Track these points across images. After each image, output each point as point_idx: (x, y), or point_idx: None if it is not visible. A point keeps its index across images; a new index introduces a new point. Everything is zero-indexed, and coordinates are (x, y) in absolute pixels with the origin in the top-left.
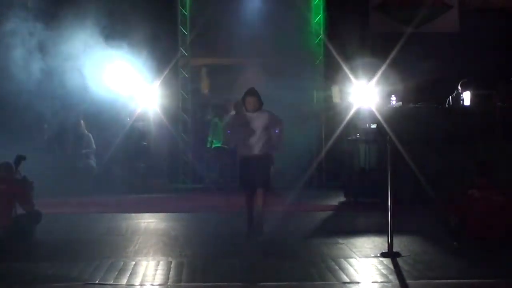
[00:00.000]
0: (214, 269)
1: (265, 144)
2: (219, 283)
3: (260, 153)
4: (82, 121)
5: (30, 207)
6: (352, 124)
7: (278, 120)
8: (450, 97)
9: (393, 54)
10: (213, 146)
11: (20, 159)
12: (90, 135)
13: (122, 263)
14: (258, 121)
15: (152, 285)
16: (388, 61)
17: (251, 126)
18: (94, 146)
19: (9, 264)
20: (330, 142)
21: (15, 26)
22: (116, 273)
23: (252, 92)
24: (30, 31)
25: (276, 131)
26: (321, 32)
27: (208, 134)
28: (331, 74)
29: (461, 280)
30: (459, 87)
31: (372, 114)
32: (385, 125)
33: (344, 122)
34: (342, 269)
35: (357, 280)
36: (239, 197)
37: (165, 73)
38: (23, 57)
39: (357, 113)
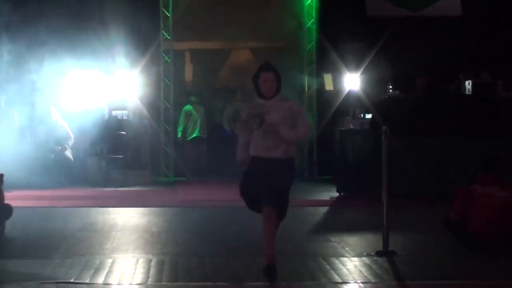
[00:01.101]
0: (198, 268)
1: (290, 145)
2: (203, 283)
3: (283, 156)
4: (52, 108)
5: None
6: (345, 114)
7: (304, 116)
8: (451, 86)
9: (390, 40)
10: (190, 137)
11: None
12: (65, 123)
13: (98, 261)
14: (277, 113)
15: (130, 284)
16: (384, 48)
17: (268, 120)
18: (71, 135)
19: None
20: (323, 133)
21: None
22: (92, 271)
23: (268, 67)
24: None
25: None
26: (313, 15)
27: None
28: (323, 60)
29: (461, 281)
30: (461, 76)
31: (366, 104)
32: (380, 116)
33: (337, 112)
34: (334, 268)
35: (349, 281)
36: (224, 191)
37: (146, 58)
38: None
39: (350, 102)
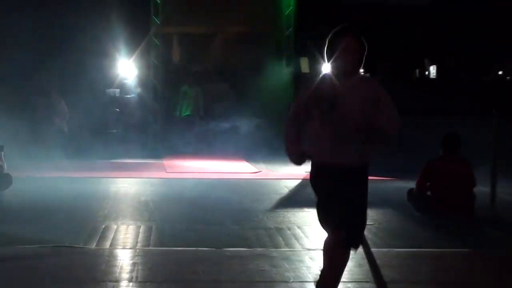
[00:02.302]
0: (182, 235)
1: (368, 146)
2: (187, 248)
3: (359, 163)
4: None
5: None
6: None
7: (391, 103)
8: (417, 70)
9: (361, 27)
10: (183, 114)
11: None
12: (62, 101)
13: (92, 227)
14: (356, 97)
15: (121, 248)
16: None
17: (342, 107)
18: (66, 111)
19: None
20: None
21: None
22: (86, 236)
23: (351, 30)
24: None
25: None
26: (291, 3)
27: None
28: (300, 45)
29: (422, 249)
30: (426, 61)
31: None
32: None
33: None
34: (308, 236)
35: (321, 247)
36: (209, 165)
37: (137, 41)
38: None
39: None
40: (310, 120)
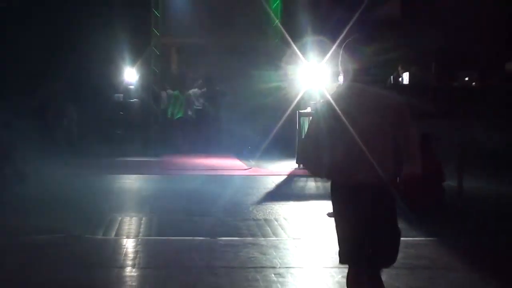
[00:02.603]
0: (180, 226)
1: (387, 161)
2: (184, 238)
3: (377, 181)
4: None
5: (17, 166)
6: (304, 99)
7: (407, 115)
8: (392, 76)
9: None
10: (176, 117)
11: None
12: (70, 104)
13: (98, 218)
14: (375, 113)
15: (125, 238)
16: (337, 44)
17: (359, 124)
18: (74, 114)
19: None
20: (288, 116)
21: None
22: (93, 227)
23: (364, 40)
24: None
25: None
26: (278, 17)
27: (170, 106)
28: (287, 54)
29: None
30: (400, 68)
31: (321, 91)
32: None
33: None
34: (293, 226)
35: (306, 237)
36: (202, 162)
37: (139, 50)
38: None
39: (308, 89)
40: (327, 136)
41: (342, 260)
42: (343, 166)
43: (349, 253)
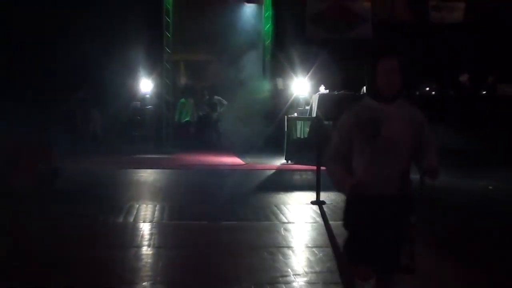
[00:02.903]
0: (189, 212)
1: (407, 172)
2: (192, 222)
3: (399, 190)
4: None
5: (52, 162)
6: (291, 105)
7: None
8: (364, 87)
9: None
10: (183, 121)
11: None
12: (96, 110)
13: (119, 206)
14: (401, 122)
15: (142, 222)
16: (320, 61)
17: (387, 133)
18: (100, 118)
19: (35, 206)
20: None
21: None
22: (115, 213)
23: (391, 50)
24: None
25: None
26: (270, 36)
27: (178, 112)
28: (277, 68)
29: None
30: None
31: (305, 99)
32: (315, 108)
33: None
34: (283, 213)
35: (293, 221)
36: (206, 158)
37: (153, 65)
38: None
39: (295, 97)
40: (352, 150)
41: (353, 259)
42: (373, 175)
43: (362, 253)
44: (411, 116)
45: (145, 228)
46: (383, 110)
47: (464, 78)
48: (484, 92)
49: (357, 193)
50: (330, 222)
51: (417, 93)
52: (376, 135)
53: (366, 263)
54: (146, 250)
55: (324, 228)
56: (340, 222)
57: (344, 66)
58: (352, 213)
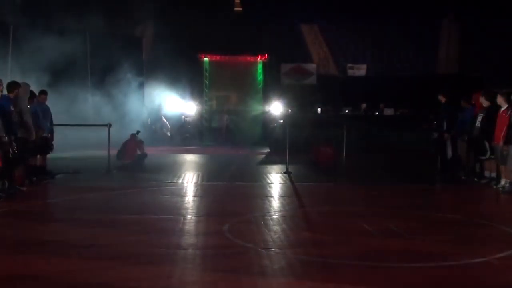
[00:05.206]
0: (216, 176)
1: None
2: (217, 182)
3: None
4: (162, 116)
5: (143, 151)
6: (272, 118)
7: None
8: (319, 109)
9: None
10: (213, 126)
11: (138, 132)
12: (166, 120)
13: (177, 175)
14: None
15: (188, 183)
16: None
17: None
18: (168, 126)
19: (131, 174)
20: (264, 126)
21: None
22: (175, 178)
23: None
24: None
25: None
26: (261, 81)
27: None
28: (266, 99)
29: (318, 183)
30: (320, 106)
31: (280, 115)
32: (286, 119)
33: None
34: (267, 177)
35: (273, 182)
36: (231, 150)
37: (197, 96)
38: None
39: (274, 115)
40: None
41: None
42: None
43: None
44: None
45: (191, 187)
46: None
47: (364, 106)
48: (376, 113)
49: None
50: (296, 183)
51: (356, 112)
52: None
53: None
54: (192, 199)
55: (291, 186)
56: (301, 183)
57: (299, 96)
58: None
